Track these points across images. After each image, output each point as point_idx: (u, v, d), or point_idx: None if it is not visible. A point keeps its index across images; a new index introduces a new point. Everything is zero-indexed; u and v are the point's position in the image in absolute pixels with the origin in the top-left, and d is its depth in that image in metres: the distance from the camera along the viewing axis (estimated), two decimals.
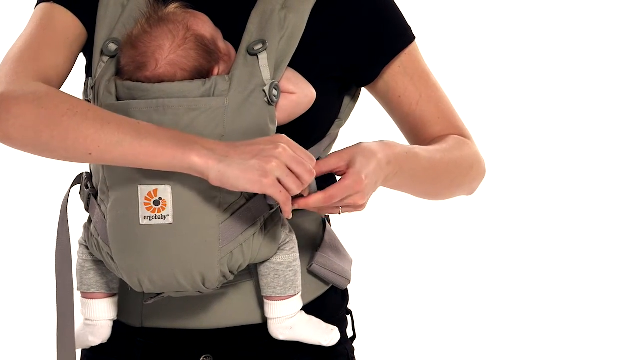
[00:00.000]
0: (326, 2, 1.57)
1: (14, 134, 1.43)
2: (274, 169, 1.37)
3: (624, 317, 3.45)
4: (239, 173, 1.37)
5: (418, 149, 1.57)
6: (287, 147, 1.39)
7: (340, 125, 1.66)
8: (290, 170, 1.39)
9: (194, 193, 1.44)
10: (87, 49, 1.60)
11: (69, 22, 1.57)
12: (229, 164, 1.37)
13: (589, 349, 3.38)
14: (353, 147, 1.48)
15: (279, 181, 1.38)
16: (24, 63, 1.51)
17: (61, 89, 1.53)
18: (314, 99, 1.53)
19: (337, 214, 1.47)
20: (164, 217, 1.44)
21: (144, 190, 1.44)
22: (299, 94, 1.51)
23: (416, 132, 1.67)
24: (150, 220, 1.44)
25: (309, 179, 1.40)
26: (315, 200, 1.43)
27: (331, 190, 1.42)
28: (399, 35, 1.63)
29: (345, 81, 1.62)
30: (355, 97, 1.67)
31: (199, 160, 1.38)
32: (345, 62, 1.59)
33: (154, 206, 1.44)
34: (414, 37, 1.65)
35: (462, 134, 1.68)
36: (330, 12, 1.58)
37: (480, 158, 1.70)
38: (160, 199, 1.43)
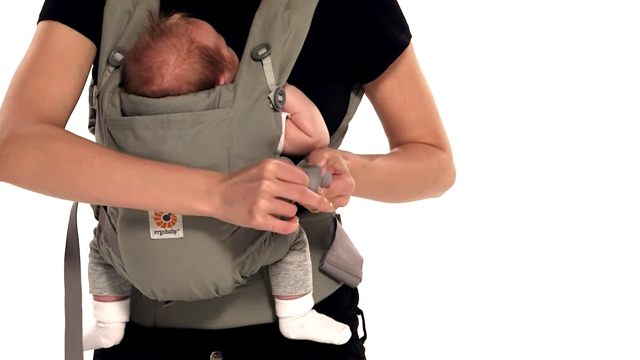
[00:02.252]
0: (329, 1, 1.55)
1: (21, 179, 1.46)
2: (260, 209, 1.37)
3: (624, 317, 3.46)
4: (234, 215, 1.39)
5: (379, 160, 1.58)
6: (273, 177, 1.38)
7: (349, 119, 1.66)
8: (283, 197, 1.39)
9: None
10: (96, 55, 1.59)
11: (75, 43, 1.55)
12: (227, 209, 1.39)
13: (589, 349, 3.40)
14: (323, 150, 1.48)
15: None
16: (29, 102, 1.50)
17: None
18: (326, 145, 1.53)
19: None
20: (174, 232, 1.45)
21: None
22: (314, 138, 1.51)
23: (394, 133, 1.68)
24: (161, 234, 1.45)
25: (301, 199, 1.39)
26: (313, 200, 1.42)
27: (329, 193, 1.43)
28: (400, 34, 1.62)
29: (349, 79, 1.62)
30: (360, 93, 1.66)
31: (206, 208, 1.40)
32: (349, 61, 1.59)
33: (164, 221, 1.45)
34: (410, 37, 1.63)
35: (438, 142, 1.68)
36: (333, 11, 1.56)
37: (450, 169, 1.70)
38: (169, 214, 1.44)
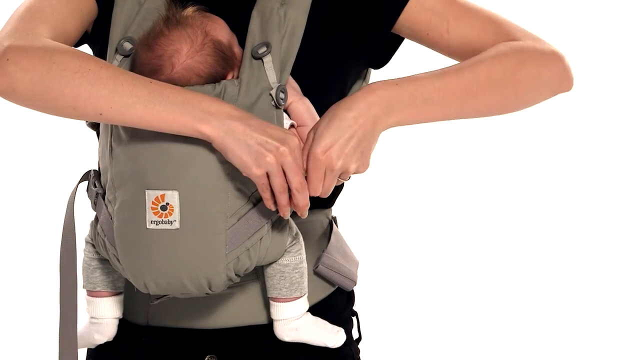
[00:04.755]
0: None
1: (20, 88, 1.40)
2: (267, 164, 1.38)
3: (624, 317, 3.44)
4: (236, 151, 1.39)
5: (419, 74, 1.48)
6: (293, 150, 1.39)
7: None
8: (285, 175, 1.40)
9: (201, 199, 1.43)
10: (98, 41, 1.59)
11: None
12: (230, 141, 1.39)
13: (589, 349, 3.38)
14: (319, 120, 1.45)
15: (269, 177, 1.40)
16: (34, 21, 1.49)
17: None
18: None
19: (346, 180, 1.46)
20: (170, 223, 1.43)
21: (151, 195, 1.43)
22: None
23: (465, 57, 1.57)
24: (157, 225, 1.44)
25: (299, 190, 1.40)
26: (304, 199, 1.42)
27: (309, 183, 1.42)
28: None
29: (357, 61, 1.60)
30: (365, 80, 1.65)
31: (207, 130, 1.39)
32: (355, 46, 1.57)
33: (161, 211, 1.44)
34: None
35: (513, 39, 1.56)
36: (329, 1, 1.56)
37: (536, 48, 1.54)
38: (167, 204, 1.43)
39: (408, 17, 1.57)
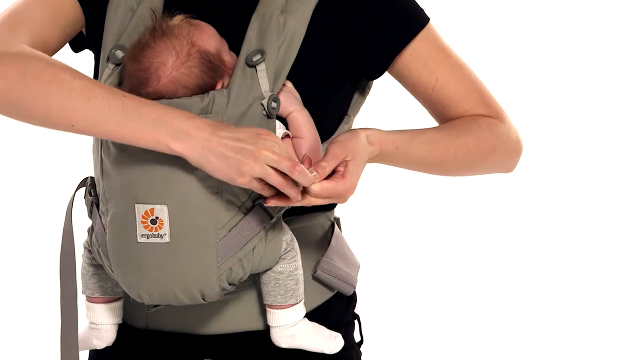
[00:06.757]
0: (327, 2, 1.53)
1: None
2: (250, 171, 1.36)
3: (624, 317, 3.43)
4: (216, 166, 1.38)
5: (419, 139, 1.54)
6: (270, 148, 1.37)
7: (349, 122, 1.62)
8: (276, 170, 1.38)
9: (191, 213, 1.43)
10: (94, 48, 1.58)
11: (68, 5, 1.55)
12: (207, 157, 1.37)
13: (589, 349, 3.37)
14: (348, 144, 1.45)
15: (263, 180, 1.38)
16: (13, 27, 1.48)
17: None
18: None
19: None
20: (161, 236, 1.43)
21: (140, 209, 1.43)
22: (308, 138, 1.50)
23: (438, 114, 1.63)
24: (147, 238, 1.43)
25: (299, 173, 1.37)
26: (303, 202, 1.41)
27: (318, 191, 1.41)
28: (407, 24, 1.57)
29: (353, 77, 1.59)
30: (365, 91, 1.64)
31: (180, 149, 1.38)
32: (352, 61, 1.56)
33: (151, 225, 1.43)
34: (427, 20, 1.59)
35: (489, 111, 1.62)
36: (332, 12, 1.54)
37: (509, 136, 1.63)
38: (157, 218, 1.42)
39: (402, 61, 1.58)
